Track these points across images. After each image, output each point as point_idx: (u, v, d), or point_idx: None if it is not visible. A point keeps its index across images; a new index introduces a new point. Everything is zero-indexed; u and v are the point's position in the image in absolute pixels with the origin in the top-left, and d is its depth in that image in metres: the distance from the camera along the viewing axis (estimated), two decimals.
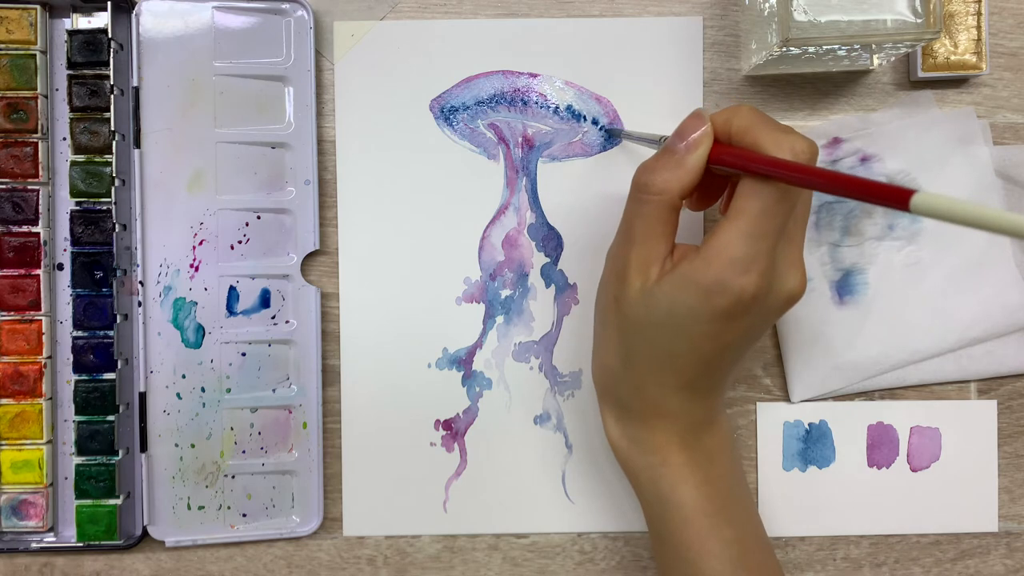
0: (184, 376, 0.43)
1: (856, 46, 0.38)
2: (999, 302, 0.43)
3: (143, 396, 0.43)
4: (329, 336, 0.44)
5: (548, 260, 0.44)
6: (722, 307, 0.33)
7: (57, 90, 0.43)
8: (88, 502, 0.42)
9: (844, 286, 0.44)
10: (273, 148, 0.43)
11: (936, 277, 0.43)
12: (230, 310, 0.43)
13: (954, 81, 0.44)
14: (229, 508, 0.43)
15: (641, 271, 0.35)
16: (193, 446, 0.43)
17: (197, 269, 0.43)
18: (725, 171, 0.34)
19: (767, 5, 0.38)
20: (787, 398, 0.45)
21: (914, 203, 0.26)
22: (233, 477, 0.43)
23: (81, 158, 0.42)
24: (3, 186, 0.42)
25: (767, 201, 0.32)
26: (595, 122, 0.44)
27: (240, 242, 0.43)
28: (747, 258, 0.32)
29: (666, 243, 0.35)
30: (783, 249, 0.34)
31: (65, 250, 0.43)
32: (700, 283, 0.33)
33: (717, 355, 0.35)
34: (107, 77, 0.42)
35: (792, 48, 0.37)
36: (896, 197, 0.27)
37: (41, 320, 0.43)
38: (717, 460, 0.38)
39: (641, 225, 0.35)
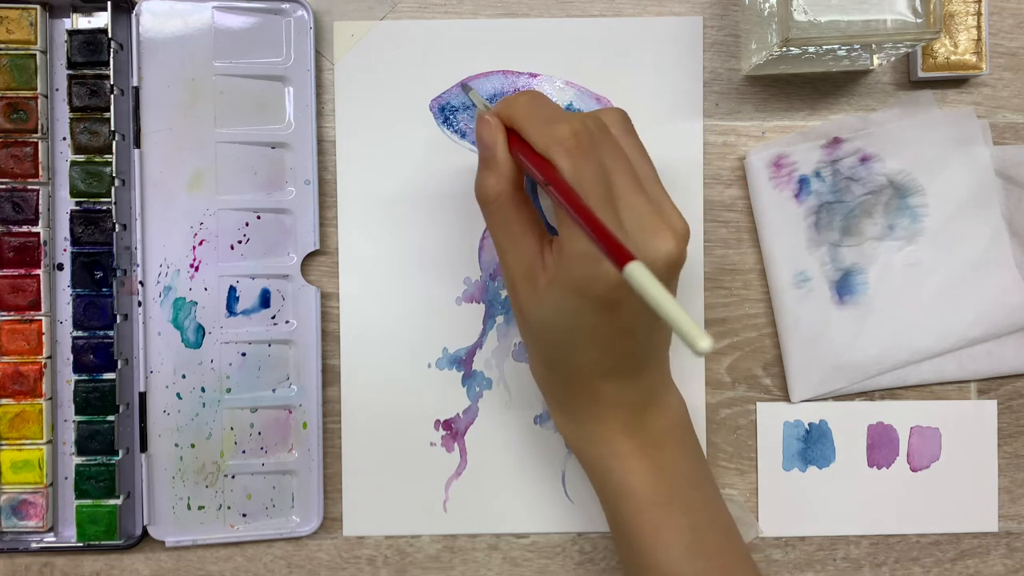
0: (184, 376, 0.43)
1: (856, 46, 0.38)
2: (999, 302, 0.43)
3: (143, 396, 0.43)
4: (329, 336, 0.44)
5: None
6: (600, 296, 0.32)
7: (57, 90, 0.43)
8: (88, 502, 0.42)
9: (844, 286, 0.44)
10: (273, 148, 0.43)
11: (936, 277, 0.43)
12: (230, 310, 0.43)
13: (954, 81, 0.44)
14: (229, 508, 0.43)
15: (527, 278, 0.35)
16: (193, 446, 0.43)
17: (197, 269, 0.43)
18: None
19: (767, 5, 0.38)
20: (787, 398, 0.45)
21: (626, 270, 0.25)
22: (233, 477, 0.43)
23: (81, 158, 0.42)
24: (3, 186, 0.42)
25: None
26: None
27: (240, 242, 0.43)
28: (592, 248, 0.31)
29: (533, 237, 0.35)
30: (629, 219, 0.32)
31: (65, 250, 0.43)
32: (570, 284, 0.33)
33: (623, 338, 0.34)
34: (107, 77, 0.42)
35: (792, 48, 0.37)
36: (617, 254, 0.26)
37: (41, 320, 0.43)
38: (666, 444, 0.37)
39: (501, 233, 0.35)
